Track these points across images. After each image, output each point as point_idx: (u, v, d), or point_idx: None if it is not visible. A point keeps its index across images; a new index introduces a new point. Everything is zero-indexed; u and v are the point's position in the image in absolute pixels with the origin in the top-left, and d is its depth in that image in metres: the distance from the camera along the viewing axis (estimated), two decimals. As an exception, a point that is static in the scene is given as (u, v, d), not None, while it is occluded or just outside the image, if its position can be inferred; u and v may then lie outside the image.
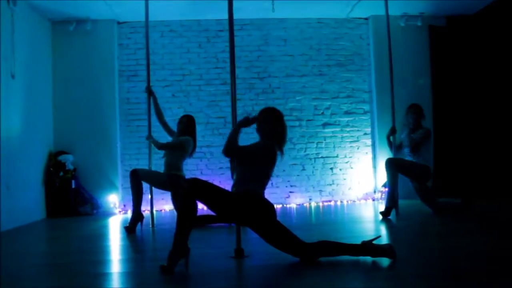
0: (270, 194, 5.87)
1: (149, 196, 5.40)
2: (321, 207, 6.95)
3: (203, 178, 7.21)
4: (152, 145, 5.41)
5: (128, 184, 7.07)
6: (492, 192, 6.85)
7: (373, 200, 7.45)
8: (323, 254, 3.27)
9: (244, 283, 3.02)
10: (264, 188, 3.45)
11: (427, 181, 5.47)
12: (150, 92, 5.47)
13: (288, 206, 7.28)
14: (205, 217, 5.41)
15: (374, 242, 3.22)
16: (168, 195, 6.42)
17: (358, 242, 3.29)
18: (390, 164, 5.43)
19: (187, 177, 5.30)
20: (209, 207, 3.24)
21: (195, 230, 5.09)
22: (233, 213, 3.30)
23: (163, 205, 7.11)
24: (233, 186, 3.43)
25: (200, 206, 3.53)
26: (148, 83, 5.48)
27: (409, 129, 5.61)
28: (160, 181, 5.25)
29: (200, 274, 3.19)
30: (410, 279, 2.85)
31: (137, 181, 5.09)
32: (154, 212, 5.54)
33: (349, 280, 2.90)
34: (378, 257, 3.16)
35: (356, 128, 7.67)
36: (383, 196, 7.17)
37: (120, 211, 7.02)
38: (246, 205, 3.27)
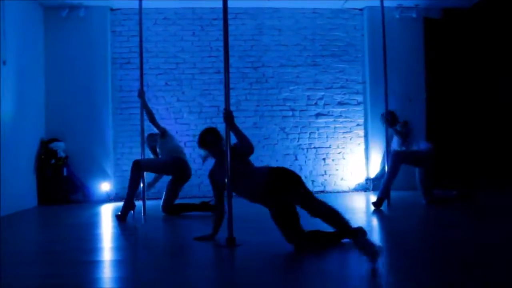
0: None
1: (141, 185, 5.39)
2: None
3: (196, 166, 7.24)
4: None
5: (120, 173, 7.12)
6: (489, 183, 6.94)
7: (365, 191, 7.49)
8: (314, 242, 3.31)
9: (236, 273, 3.03)
10: None
11: (433, 164, 5.61)
12: (142, 96, 5.43)
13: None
14: (184, 206, 5.46)
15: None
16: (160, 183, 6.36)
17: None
18: (398, 156, 5.50)
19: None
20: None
21: (182, 219, 5.11)
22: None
23: (154, 193, 7.09)
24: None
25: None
26: (141, 87, 5.43)
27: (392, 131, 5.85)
28: (165, 167, 5.34)
29: (191, 263, 3.20)
30: (399, 270, 2.87)
31: (138, 173, 5.13)
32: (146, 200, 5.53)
33: (341, 268, 2.92)
34: (362, 250, 3.01)
35: (349, 119, 7.68)
36: (370, 186, 7.21)
37: (112, 199, 7.01)
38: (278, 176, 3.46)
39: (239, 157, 3.58)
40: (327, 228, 3.47)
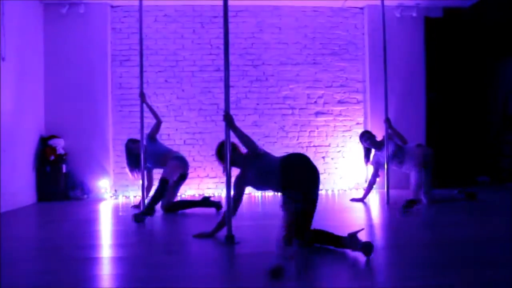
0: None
1: (140, 182, 5.38)
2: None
3: (195, 164, 7.21)
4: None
5: (119, 170, 7.11)
6: (490, 181, 6.97)
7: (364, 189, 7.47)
8: (317, 241, 3.33)
9: (234, 270, 3.04)
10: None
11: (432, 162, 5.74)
12: (143, 98, 5.42)
13: (279, 194, 7.29)
14: (184, 203, 5.47)
15: (357, 233, 3.24)
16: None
17: (349, 230, 3.32)
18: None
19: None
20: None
21: (182, 216, 5.11)
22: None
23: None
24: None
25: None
26: (142, 88, 5.42)
27: (376, 149, 5.97)
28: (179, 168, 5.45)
29: (190, 260, 3.20)
30: (397, 269, 2.88)
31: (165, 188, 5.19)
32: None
33: (339, 268, 2.93)
34: (356, 251, 3.12)
35: (349, 118, 7.68)
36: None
37: (111, 196, 7.01)
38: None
39: (249, 153, 3.61)
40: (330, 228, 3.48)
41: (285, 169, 3.47)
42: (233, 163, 3.73)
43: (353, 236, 3.17)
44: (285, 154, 3.69)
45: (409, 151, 5.72)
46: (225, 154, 3.68)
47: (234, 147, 3.77)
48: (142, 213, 4.83)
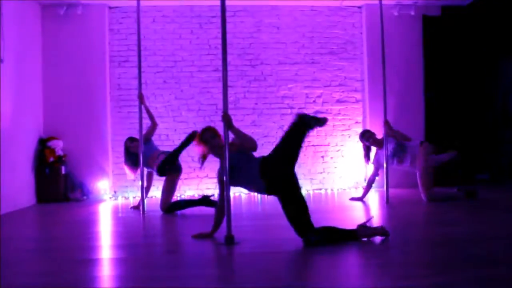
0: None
1: (140, 183, 5.38)
2: (311, 195, 6.97)
3: (194, 164, 7.21)
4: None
5: (118, 171, 7.11)
6: (489, 179, 6.96)
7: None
8: (325, 239, 3.35)
9: (233, 270, 3.03)
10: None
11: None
12: (141, 99, 5.42)
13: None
14: (183, 203, 5.47)
15: (367, 223, 3.57)
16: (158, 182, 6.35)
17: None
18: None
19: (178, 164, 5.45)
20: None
21: (180, 217, 5.11)
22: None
23: (153, 191, 7.09)
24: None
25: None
26: (140, 89, 5.42)
27: (377, 147, 5.94)
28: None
29: (189, 261, 3.20)
30: (397, 268, 2.88)
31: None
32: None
33: (339, 268, 2.93)
34: (373, 237, 3.48)
35: (348, 117, 7.68)
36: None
37: (110, 198, 7.00)
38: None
39: (240, 150, 3.58)
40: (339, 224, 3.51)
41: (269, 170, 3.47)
42: (213, 150, 3.70)
43: (364, 226, 3.50)
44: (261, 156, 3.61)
45: (411, 149, 5.68)
46: (207, 139, 3.67)
47: (217, 134, 3.73)
48: None
